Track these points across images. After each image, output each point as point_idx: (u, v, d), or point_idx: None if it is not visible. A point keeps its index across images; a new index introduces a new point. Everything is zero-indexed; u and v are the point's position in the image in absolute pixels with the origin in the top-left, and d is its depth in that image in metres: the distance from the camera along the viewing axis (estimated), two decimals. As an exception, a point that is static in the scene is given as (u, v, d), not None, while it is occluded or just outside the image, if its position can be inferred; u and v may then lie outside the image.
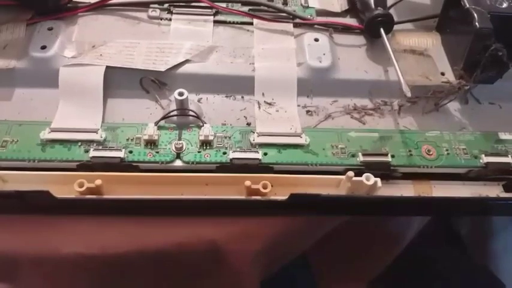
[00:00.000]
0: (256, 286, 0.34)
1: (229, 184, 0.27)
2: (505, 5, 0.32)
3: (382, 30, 0.34)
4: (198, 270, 0.31)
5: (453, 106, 0.34)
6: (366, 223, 0.39)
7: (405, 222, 0.42)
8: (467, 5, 0.32)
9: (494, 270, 0.52)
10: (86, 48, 0.33)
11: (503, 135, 0.32)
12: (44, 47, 0.32)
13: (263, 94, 0.33)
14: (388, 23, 0.35)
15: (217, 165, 0.29)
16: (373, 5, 0.35)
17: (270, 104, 0.32)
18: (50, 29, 0.34)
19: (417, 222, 0.43)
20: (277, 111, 0.32)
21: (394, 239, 0.43)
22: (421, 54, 0.35)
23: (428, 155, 0.30)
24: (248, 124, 0.31)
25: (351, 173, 0.27)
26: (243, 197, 0.27)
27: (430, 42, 0.36)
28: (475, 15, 0.31)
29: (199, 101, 0.33)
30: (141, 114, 0.31)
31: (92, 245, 0.28)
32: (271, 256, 0.32)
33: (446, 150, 0.30)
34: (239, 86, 0.33)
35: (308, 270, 0.47)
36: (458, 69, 0.33)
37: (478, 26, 0.31)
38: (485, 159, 0.30)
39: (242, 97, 0.33)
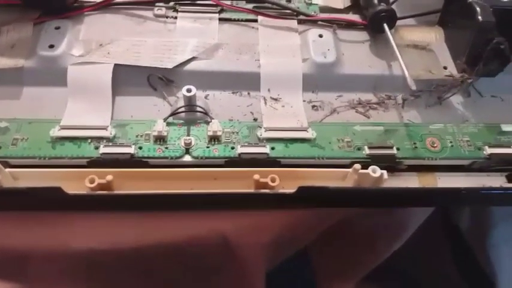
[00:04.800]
0: (262, 277, 0.34)
1: (238, 178, 0.28)
2: (506, -2, 0.32)
3: (385, 26, 0.34)
4: (208, 263, 0.31)
5: (456, 99, 0.34)
6: (365, 217, 0.39)
7: (404, 217, 0.43)
8: (470, -1, 0.32)
9: (494, 263, 0.52)
10: (93, 46, 0.33)
11: (506, 127, 0.32)
12: (51, 46, 0.32)
13: (269, 90, 0.33)
14: (391, 19, 0.35)
15: (226, 159, 0.29)
16: (376, 1, 0.35)
17: (275, 99, 0.33)
18: (57, 28, 0.34)
19: (416, 217, 0.43)
20: (283, 106, 0.32)
21: (391, 234, 0.43)
22: (424, 49, 0.36)
23: (433, 147, 0.30)
24: (255, 120, 0.32)
25: (357, 166, 0.28)
26: (251, 191, 0.28)
27: (433, 36, 0.36)
28: (478, 9, 0.31)
29: (206, 97, 0.33)
30: (149, 111, 0.32)
31: (103, 240, 0.28)
32: (278, 248, 0.33)
33: (450, 142, 0.31)
34: (245, 82, 0.33)
35: (308, 262, 0.47)
36: (460, 63, 0.34)
37: (480, 19, 0.31)
38: (489, 150, 0.30)
39: (248, 93, 0.33)
